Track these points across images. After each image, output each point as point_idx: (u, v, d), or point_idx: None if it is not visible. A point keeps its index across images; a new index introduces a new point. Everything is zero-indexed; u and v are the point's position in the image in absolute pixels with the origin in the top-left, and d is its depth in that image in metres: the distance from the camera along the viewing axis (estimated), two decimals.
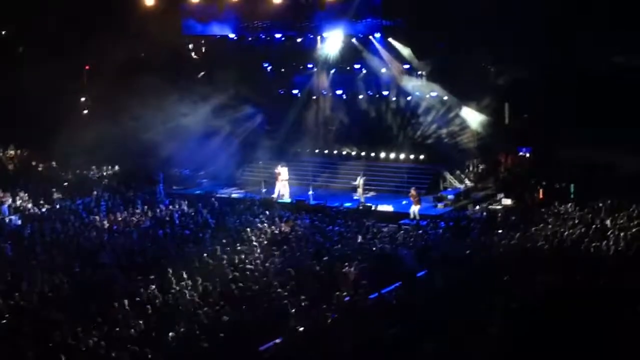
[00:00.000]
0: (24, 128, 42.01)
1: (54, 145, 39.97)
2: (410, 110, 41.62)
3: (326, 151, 43.80)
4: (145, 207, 34.91)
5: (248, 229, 30.06)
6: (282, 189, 38.28)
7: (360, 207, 35.44)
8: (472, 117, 39.47)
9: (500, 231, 29.26)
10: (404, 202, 35.89)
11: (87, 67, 44.74)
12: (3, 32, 44.64)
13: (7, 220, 32.42)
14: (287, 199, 37.82)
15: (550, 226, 29.02)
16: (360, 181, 37.02)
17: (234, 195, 39.16)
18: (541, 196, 35.25)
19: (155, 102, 39.16)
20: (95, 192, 37.58)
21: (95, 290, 22.92)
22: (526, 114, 38.47)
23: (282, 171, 38.68)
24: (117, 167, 42.46)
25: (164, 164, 40.11)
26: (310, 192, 37.92)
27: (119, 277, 24.11)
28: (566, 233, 27.19)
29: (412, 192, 35.12)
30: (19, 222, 32.42)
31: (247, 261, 25.73)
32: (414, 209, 34.40)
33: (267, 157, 42.41)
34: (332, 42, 40.81)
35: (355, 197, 36.79)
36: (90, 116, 44.76)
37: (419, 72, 40.41)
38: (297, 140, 43.48)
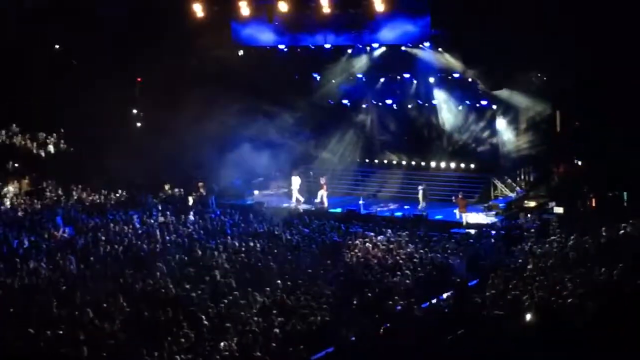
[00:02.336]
0: (76, 139, 42.72)
1: (107, 156, 40.38)
2: (460, 119, 41.42)
3: (376, 160, 43.80)
4: (197, 217, 35.20)
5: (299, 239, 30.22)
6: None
7: (423, 216, 35.40)
8: (522, 126, 39.22)
9: (553, 238, 29.03)
10: (455, 212, 35.79)
11: (139, 80, 45.18)
12: (57, 46, 45.22)
13: (61, 231, 32.77)
14: (302, 205, 39.06)
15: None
16: (421, 191, 37.00)
17: (284, 205, 39.35)
18: (594, 204, 34.88)
19: (206, 113, 39.46)
20: (147, 203, 37.98)
21: (148, 300, 23.17)
22: (578, 121, 38.07)
23: (294, 180, 40.08)
24: (168, 180, 42.75)
25: (215, 175, 40.34)
26: (361, 202, 37.96)
27: (171, 287, 24.31)
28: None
29: (460, 197, 35.26)
30: (73, 233, 32.77)
31: (298, 271, 25.83)
32: (464, 216, 34.69)
33: (316, 166, 42.53)
34: (381, 51, 40.81)
35: (419, 207, 36.71)
36: (143, 128, 45.22)
37: (469, 80, 40.19)
38: (347, 150, 43.57)
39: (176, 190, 41.64)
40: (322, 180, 39.12)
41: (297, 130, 43.49)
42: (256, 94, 41.39)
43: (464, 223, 34.72)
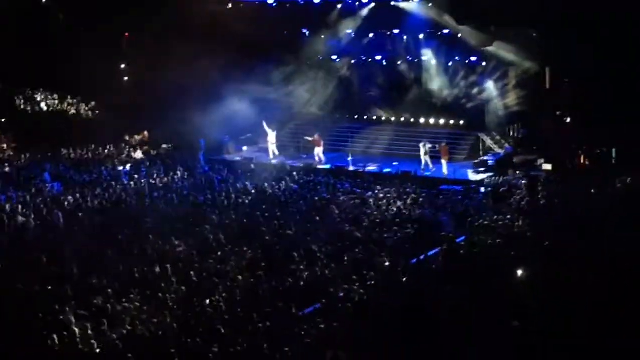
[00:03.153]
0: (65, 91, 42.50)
1: (94, 111, 40.24)
2: (450, 75, 41.28)
3: (365, 117, 43.70)
4: (186, 173, 35.15)
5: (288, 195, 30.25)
6: (272, 151, 40.04)
7: (411, 172, 35.37)
8: (512, 82, 39.14)
9: (540, 196, 29.14)
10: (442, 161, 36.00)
11: (126, 35, 44.84)
12: (43, 0, 44.79)
13: (49, 187, 32.66)
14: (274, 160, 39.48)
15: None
16: (423, 148, 36.87)
17: (273, 162, 39.31)
18: (582, 161, 34.92)
19: (194, 69, 39.26)
20: (135, 158, 37.90)
21: (137, 256, 23.20)
22: (567, 78, 37.97)
23: (270, 133, 40.18)
24: (156, 134, 42.59)
25: (205, 130, 40.21)
26: (350, 158, 37.92)
27: (160, 243, 24.31)
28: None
29: (443, 145, 36.00)
30: (61, 189, 32.67)
31: (286, 227, 25.87)
32: (445, 163, 35.62)
33: (304, 122, 42.44)
34: (370, 7, 40.59)
35: (422, 168, 36.64)
36: (130, 83, 44.98)
37: (459, 35, 39.99)
38: (336, 106, 43.49)
39: (164, 145, 41.54)
40: (317, 137, 38.96)
41: (286, 86, 43.29)
42: (245, 49, 41.14)
43: (444, 171, 35.41)
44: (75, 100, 45.42)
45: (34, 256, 23.20)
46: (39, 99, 44.87)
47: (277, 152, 40.20)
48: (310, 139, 38.93)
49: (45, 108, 44.68)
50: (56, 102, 44.87)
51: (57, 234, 26.01)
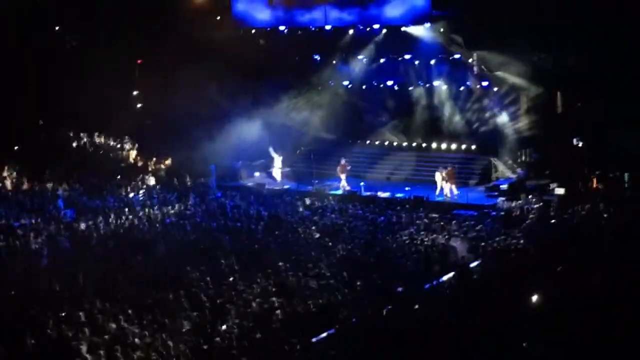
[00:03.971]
0: (78, 118, 42.54)
1: (107, 137, 40.37)
2: (462, 101, 41.32)
3: (377, 142, 43.74)
4: (198, 199, 35.18)
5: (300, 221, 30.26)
6: (277, 176, 40.82)
7: (424, 198, 35.35)
8: (523, 107, 39.15)
9: (554, 221, 29.09)
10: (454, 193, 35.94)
11: (139, 62, 45.01)
12: (57, 28, 45.02)
13: (62, 214, 32.74)
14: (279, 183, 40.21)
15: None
16: (439, 174, 36.81)
17: (286, 187, 39.36)
18: (595, 185, 34.83)
19: (206, 94, 39.42)
20: (148, 185, 37.98)
21: (149, 282, 23.20)
22: (579, 102, 37.95)
23: (276, 158, 40.88)
24: (169, 160, 42.65)
25: (216, 156, 40.30)
26: (362, 183, 37.96)
27: (173, 269, 24.32)
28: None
29: (449, 169, 36.15)
30: (74, 215, 32.74)
31: (299, 253, 25.87)
32: (452, 187, 35.88)
33: (319, 149, 42.50)
34: (382, 32, 40.75)
35: (437, 194, 36.60)
36: (143, 110, 45.08)
37: (470, 61, 40.08)
38: (347, 131, 43.57)
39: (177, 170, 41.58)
40: (342, 162, 38.98)
41: (296, 111, 43.37)
42: (255, 74, 41.32)
43: (446, 195, 35.93)
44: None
45: (47, 281, 23.23)
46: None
47: (279, 178, 40.76)
48: (343, 162, 38.85)
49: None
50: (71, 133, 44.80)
51: (69, 260, 25.98)
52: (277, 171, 40.93)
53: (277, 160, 40.99)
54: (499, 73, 38.72)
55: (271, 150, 40.58)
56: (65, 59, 42.47)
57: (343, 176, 38.55)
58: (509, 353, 16.69)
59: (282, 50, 42.52)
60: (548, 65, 37.31)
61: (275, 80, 41.76)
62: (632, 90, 34.00)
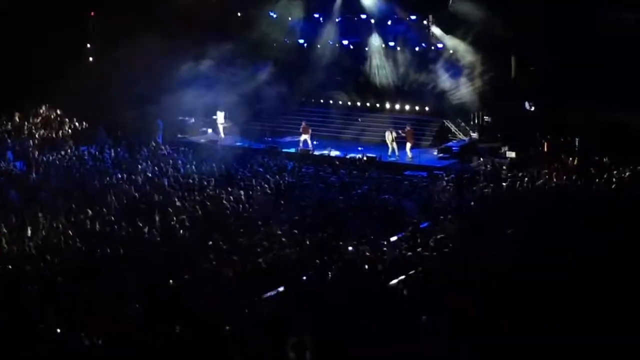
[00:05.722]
0: (27, 74, 41.79)
1: (58, 93, 39.78)
2: (416, 62, 41.32)
3: (331, 101, 43.62)
4: (150, 154, 34.91)
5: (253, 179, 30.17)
6: (222, 133, 40.73)
7: (376, 158, 35.44)
8: (478, 70, 39.27)
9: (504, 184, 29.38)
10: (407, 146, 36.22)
11: (92, 14, 44.32)
12: None
13: (12, 166, 32.33)
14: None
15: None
16: (390, 135, 36.83)
17: (238, 144, 39.21)
18: (546, 149, 35.16)
19: (160, 50, 38.98)
20: (99, 139, 37.59)
21: (99, 237, 23.05)
22: (532, 66, 38.15)
23: (219, 115, 40.82)
24: (121, 115, 42.14)
25: (168, 113, 39.94)
26: (315, 142, 37.94)
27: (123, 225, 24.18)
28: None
29: (408, 129, 36.47)
30: (25, 168, 32.36)
31: (250, 210, 25.83)
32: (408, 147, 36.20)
33: (272, 107, 42.29)
34: None
35: (389, 154, 36.69)
36: (96, 64, 44.46)
37: (425, 23, 40.09)
38: (303, 90, 43.38)
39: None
40: (303, 124, 38.83)
41: (254, 69, 43.05)
42: (206, 31, 40.91)
43: (409, 156, 36.01)
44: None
45: None
46: None
47: (222, 135, 40.75)
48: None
49: None
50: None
51: (17, 214, 25.65)
52: (220, 127, 40.91)
53: (220, 115, 40.89)
54: (453, 35, 38.78)
55: (218, 110, 40.43)
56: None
57: (306, 136, 38.40)
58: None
59: (236, 6, 42.18)
60: (501, 29, 37.38)
61: (227, 36, 41.26)
62: (586, 55, 34.25)
